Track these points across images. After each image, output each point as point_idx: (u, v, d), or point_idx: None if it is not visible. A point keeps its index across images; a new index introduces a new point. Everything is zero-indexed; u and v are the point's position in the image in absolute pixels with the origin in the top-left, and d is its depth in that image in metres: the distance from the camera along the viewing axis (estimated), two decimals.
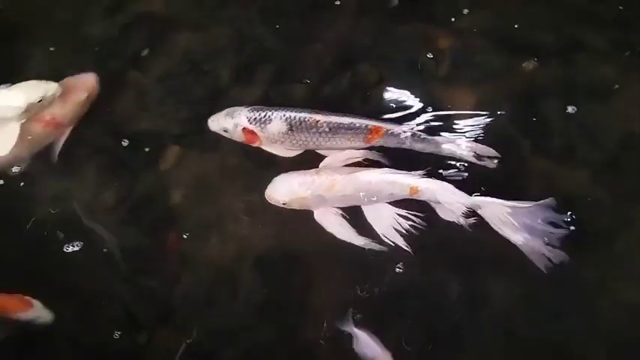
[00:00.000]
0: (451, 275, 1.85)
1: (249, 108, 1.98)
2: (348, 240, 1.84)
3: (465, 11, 2.31)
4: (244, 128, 1.95)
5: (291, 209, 1.89)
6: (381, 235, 1.83)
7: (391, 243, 1.82)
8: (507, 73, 2.17)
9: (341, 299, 1.83)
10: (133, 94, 2.25)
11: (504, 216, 1.76)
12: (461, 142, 1.97)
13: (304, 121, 1.94)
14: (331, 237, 1.85)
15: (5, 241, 1.98)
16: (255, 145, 2.00)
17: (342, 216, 1.87)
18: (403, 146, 1.97)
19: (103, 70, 2.22)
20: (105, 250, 1.95)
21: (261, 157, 2.02)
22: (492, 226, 1.79)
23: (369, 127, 1.95)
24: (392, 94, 2.17)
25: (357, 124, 1.95)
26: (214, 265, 1.93)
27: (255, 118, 1.95)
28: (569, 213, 1.81)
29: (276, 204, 1.88)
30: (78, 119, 2.13)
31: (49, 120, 2.03)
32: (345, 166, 1.95)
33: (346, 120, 1.95)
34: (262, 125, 1.94)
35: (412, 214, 1.86)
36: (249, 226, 1.96)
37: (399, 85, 2.18)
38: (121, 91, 2.24)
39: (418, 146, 1.96)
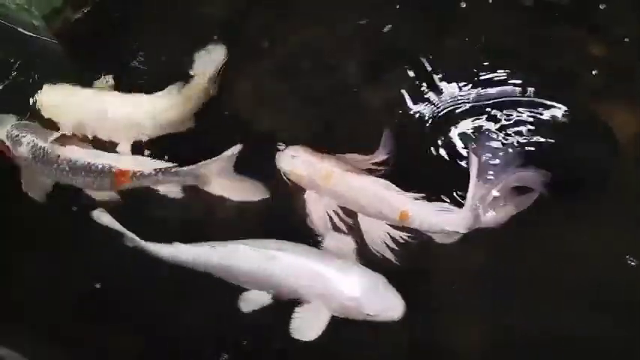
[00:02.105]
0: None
1: (16, 123, 1.91)
2: (318, 229, 1.80)
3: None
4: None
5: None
6: (369, 244, 1.77)
7: (377, 254, 1.75)
8: None
9: None
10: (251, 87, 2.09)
11: None
12: None
13: (47, 153, 1.83)
14: None
15: None
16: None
17: (335, 213, 1.81)
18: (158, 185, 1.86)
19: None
20: None
21: None
22: None
23: (114, 170, 1.81)
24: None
25: (99, 166, 1.80)
26: None
27: (11, 135, 1.87)
28: None
29: (280, 170, 1.85)
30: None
31: None
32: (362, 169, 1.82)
33: (87, 161, 1.82)
34: (14, 144, 1.87)
35: (406, 236, 1.75)
36: None
37: (548, 94, 1.97)
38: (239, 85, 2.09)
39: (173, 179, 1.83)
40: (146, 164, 1.84)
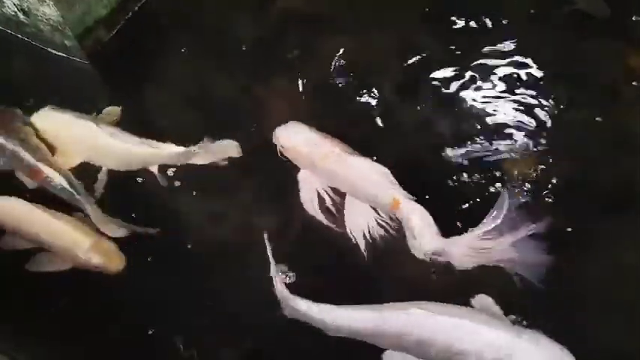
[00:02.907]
0: None
1: None
2: (308, 210, 1.78)
3: None
4: None
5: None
6: (347, 227, 1.73)
7: (352, 239, 1.72)
8: None
9: None
10: (285, 105, 2.04)
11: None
12: None
13: None
14: None
15: None
16: None
17: (326, 192, 1.80)
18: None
19: (252, 77, 2.09)
20: None
21: None
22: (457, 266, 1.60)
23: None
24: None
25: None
26: None
27: None
28: None
29: (277, 143, 1.83)
30: None
31: None
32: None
33: None
34: None
35: (388, 226, 1.71)
36: None
37: (589, 109, 1.94)
38: (271, 103, 2.04)
39: None
40: None
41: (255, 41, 2.19)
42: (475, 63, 2.07)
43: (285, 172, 1.86)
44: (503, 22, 2.16)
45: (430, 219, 1.64)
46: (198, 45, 2.23)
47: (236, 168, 1.90)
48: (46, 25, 2.06)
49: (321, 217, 1.76)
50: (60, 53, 2.19)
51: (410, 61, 2.10)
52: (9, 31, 2.23)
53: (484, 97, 2.01)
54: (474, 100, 2.01)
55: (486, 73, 2.05)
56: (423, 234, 1.62)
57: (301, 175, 1.83)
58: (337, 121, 1.98)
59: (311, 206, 1.78)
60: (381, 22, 2.21)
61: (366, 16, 2.23)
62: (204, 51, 2.22)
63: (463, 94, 2.02)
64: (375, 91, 2.05)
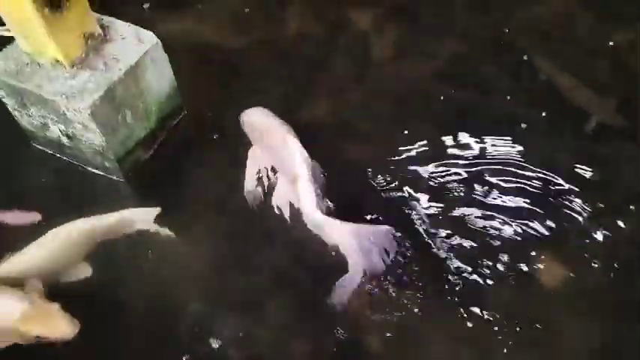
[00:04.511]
0: None
1: None
2: (246, 182, 2.11)
3: None
4: None
5: None
6: (274, 201, 2.07)
7: (277, 211, 2.05)
8: None
9: None
10: None
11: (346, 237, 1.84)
12: None
13: None
14: None
15: None
16: None
17: (266, 169, 2.13)
18: None
19: None
20: None
21: None
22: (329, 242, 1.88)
23: None
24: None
25: None
26: None
27: None
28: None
29: (241, 119, 2.22)
30: None
31: None
32: None
33: None
34: None
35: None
36: None
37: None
38: None
39: None
40: None
41: None
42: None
43: None
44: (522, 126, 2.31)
45: (312, 196, 1.92)
46: (225, 160, 2.30)
47: None
48: (88, 148, 2.12)
49: (258, 191, 2.10)
50: (98, 172, 2.24)
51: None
52: (49, 151, 2.28)
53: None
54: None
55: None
56: (305, 206, 1.93)
57: (251, 152, 2.17)
58: None
59: (251, 178, 2.11)
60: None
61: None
62: (232, 164, 2.27)
63: None
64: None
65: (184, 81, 2.34)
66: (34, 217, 2.07)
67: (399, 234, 1.93)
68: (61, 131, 2.10)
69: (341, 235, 1.85)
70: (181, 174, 2.26)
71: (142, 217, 2.03)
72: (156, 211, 2.05)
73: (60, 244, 1.84)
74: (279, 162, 2.09)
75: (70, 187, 2.26)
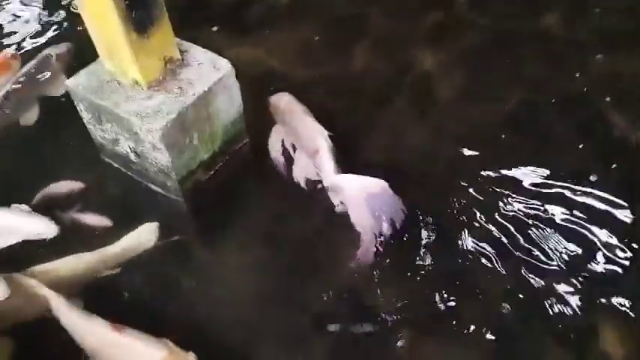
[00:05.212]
0: None
1: None
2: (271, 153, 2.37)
3: None
4: None
5: None
6: (295, 175, 2.30)
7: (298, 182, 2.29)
8: None
9: None
10: None
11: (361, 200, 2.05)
12: None
13: None
14: None
15: None
16: None
17: (293, 147, 2.36)
18: None
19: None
20: None
21: None
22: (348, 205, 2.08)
23: None
24: None
25: None
26: None
27: None
28: None
29: (269, 101, 2.50)
30: None
31: None
32: None
33: None
34: None
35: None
36: None
37: None
38: None
39: None
40: None
41: None
42: None
43: None
44: None
45: (332, 163, 2.14)
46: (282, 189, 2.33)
47: None
48: (153, 167, 2.18)
49: (280, 159, 2.35)
50: (156, 188, 2.29)
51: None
52: (115, 164, 2.35)
53: None
54: None
55: None
56: (326, 171, 2.15)
57: (274, 128, 2.43)
58: None
59: (275, 148, 2.37)
60: None
61: None
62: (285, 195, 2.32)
63: None
64: None
65: (248, 108, 2.38)
66: (107, 222, 2.20)
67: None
68: (130, 148, 2.17)
69: (357, 198, 2.07)
70: (236, 198, 2.29)
71: (144, 238, 2.08)
72: (155, 225, 2.10)
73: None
74: (300, 139, 2.34)
75: (131, 200, 2.33)
